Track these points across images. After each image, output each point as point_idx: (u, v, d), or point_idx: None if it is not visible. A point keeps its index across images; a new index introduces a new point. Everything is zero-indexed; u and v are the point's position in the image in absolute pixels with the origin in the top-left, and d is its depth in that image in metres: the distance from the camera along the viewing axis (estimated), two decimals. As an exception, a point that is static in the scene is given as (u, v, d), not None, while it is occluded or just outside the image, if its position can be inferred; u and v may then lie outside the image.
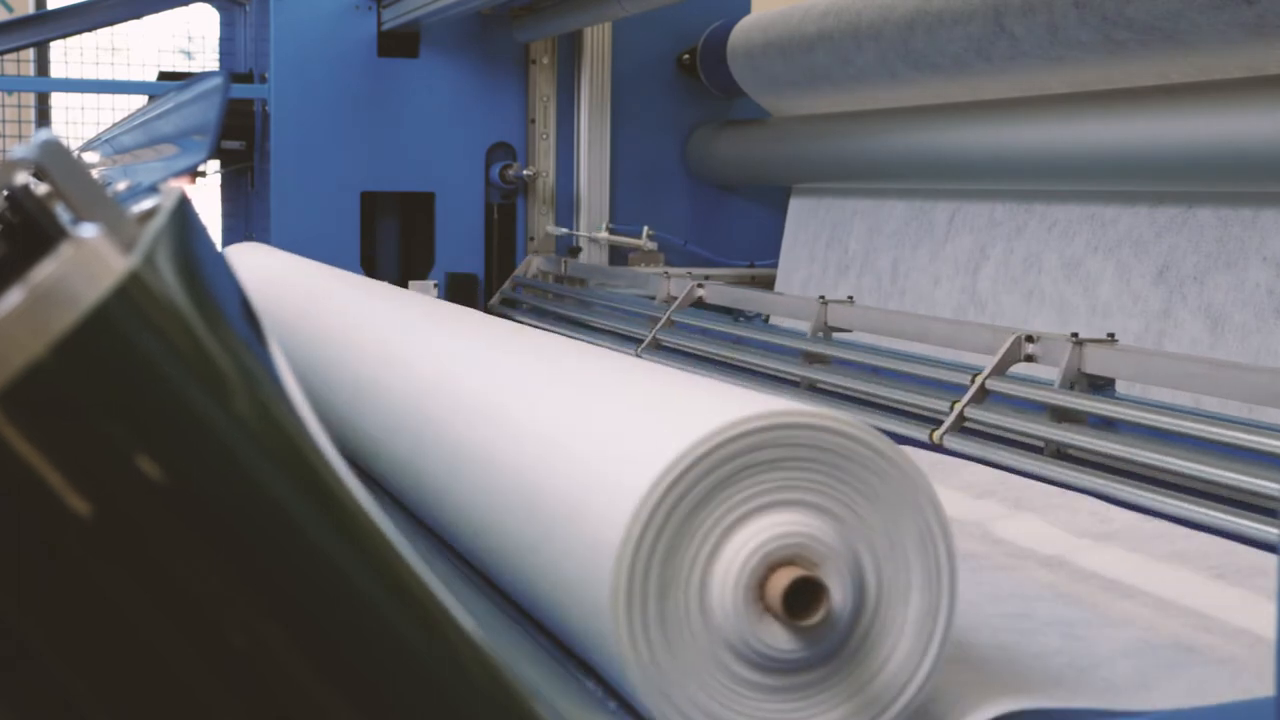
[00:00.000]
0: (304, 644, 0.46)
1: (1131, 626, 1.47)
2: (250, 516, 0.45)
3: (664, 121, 4.44)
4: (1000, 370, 2.24)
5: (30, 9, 5.46)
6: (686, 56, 4.39)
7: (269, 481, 0.46)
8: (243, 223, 4.75)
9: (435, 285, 4.21)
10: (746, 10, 4.34)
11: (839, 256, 3.72)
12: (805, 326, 2.91)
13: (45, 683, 0.42)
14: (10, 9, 5.46)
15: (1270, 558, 1.70)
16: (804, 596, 1.08)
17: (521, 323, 3.89)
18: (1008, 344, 2.25)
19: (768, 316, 3.28)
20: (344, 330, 2.13)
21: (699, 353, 3.09)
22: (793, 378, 2.75)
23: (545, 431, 1.32)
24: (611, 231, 4.19)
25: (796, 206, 4.03)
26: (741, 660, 1.10)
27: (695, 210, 4.39)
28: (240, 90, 4.26)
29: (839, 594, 1.10)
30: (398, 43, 4.17)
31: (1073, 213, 2.90)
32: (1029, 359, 2.26)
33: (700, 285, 3.29)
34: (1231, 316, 2.47)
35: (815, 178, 3.92)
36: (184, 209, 0.49)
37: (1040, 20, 2.76)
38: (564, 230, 4.22)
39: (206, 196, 4.86)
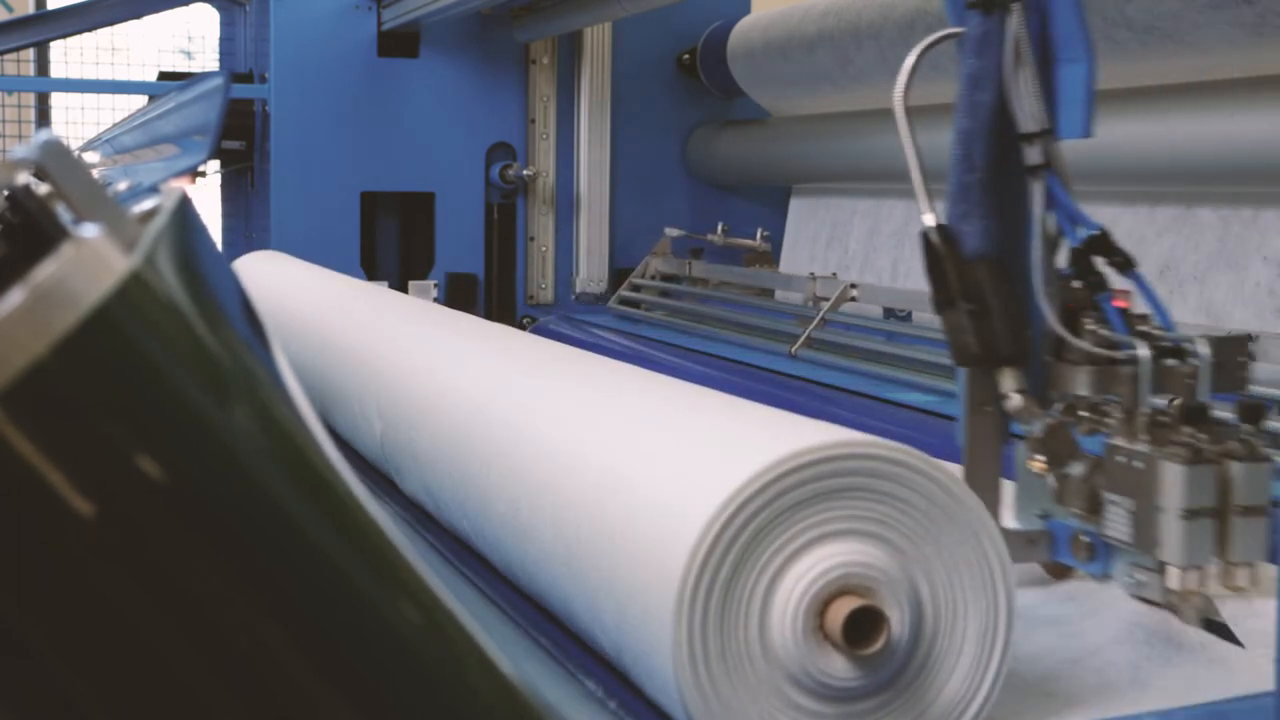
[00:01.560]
0: (304, 644, 0.46)
1: (1126, 624, 1.47)
2: (250, 516, 0.45)
3: (664, 121, 4.44)
4: None
5: (30, 9, 5.46)
6: (686, 56, 4.39)
7: (269, 481, 0.46)
8: (243, 223, 4.75)
9: (435, 285, 4.21)
10: (746, 10, 4.34)
11: (839, 256, 3.72)
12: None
13: (45, 683, 0.42)
14: (10, 9, 5.46)
15: (1265, 566, 1.70)
16: (863, 625, 1.08)
17: (651, 321, 3.91)
18: None
19: (909, 313, 3.26)
20: (386, 353, 2.10)
21: (862, 349, 3.09)
22: None
23: (604, 462, 1.31)
24: (725, 233, 4.18)
25: (796, 206, 4.03)
26: (801, 689, 1.10)
27: (695, 210, 4.39)
28: (240, 90, 4.26)
29: (898, 623, 1.10)
30: (398, 43, 4.17)
31: (1073, 213, 2.90)
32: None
33: (853, 285, 3.31)
34: (1232, 316, 2.47)
35: (815, 178, 3.92)
36: (185, 209, 0.49)
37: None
38: (680, 232, 4.21)
39: (206, 196, 4.86)
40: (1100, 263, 1.51)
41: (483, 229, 4.29)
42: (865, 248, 3.61)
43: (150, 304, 0.43)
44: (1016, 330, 1.50)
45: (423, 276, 4.25)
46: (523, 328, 3.98)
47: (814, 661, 1.09)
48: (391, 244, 4.36)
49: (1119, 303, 1.50)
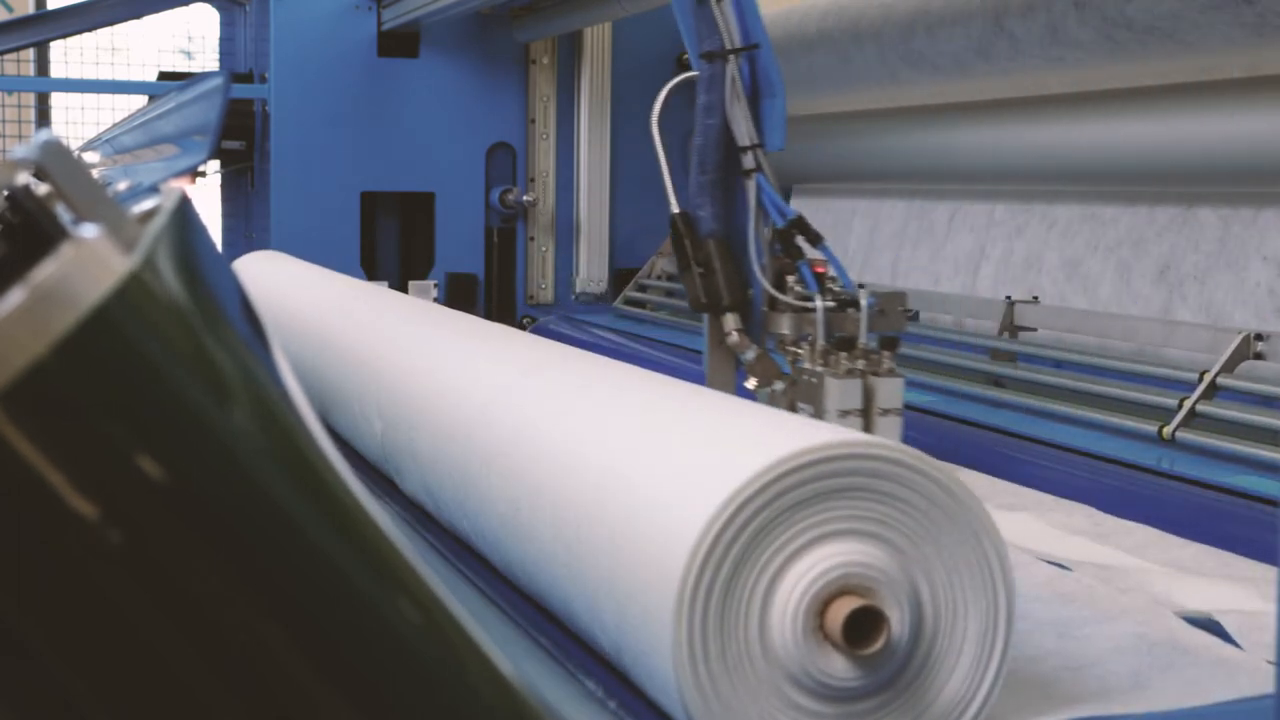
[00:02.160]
0: (304, 644, 0.46)
1: (1127, 626, 1.47)
2: (250, 516, 0.45)
3: (664, 121, 4.43)
4: (1229, 368, 2.23)
5: (30, 9, 5.46)
6: (687, 56, 4.38)
7: (269, 481, 0.46)
8: (243, 223, 4.75)
9: (435, 285, 4.21)
10: (746, 10, 4.34)
11: (839, 256, 3.72)
12: (976, 325, 2.95)
13: (45, 683, 0.42)
14: (10, 9, 5.46)
15: (1265, 568, 1.70)
16: (863, 625, 1.08)
17: (652, 320, 3.92)
18: (1236, 342, 2.25)
19: (916, 313, 3.26)
20: (386, 353, 2.10)
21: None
22: (983, 375, 2.75)
23: (605, 462, 1.31)
24: None
25: (797, 206, 4.03)
26: (801, 689, 1.10)
27: (695, 210, 4.39)
28: (240, 90, 4.26)
29: (898, 623, 1.10)
30: (398, 43, 4.17)
31: (1073, 212, 2.90)
32: (1258, 356, 2.25)
33: (860, 285, 3.31)
34: (1232, 316, 2.47)
35: (815, 178, 3.92)
36: (184, 209, 0.49)
37: (1040, 20, 2.76)
38: None
39: (206, 196, 4.87)
40: (799, 239, 2.07)
41: (483, 229, 4.29)
42: (865, 247, 3.61)
43: (150, 304, 0.43)
44: (734, 287, 2.09)
45: (423, 276, 4.24)
46: (523, 328, 3.97)
47: (814, 661, 1.09)
48: (391, 244, 4.36)
49: (818, 268, 2.06)
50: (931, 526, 1.13)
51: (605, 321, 4.04)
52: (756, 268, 2.05)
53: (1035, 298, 2.88)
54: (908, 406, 2.68)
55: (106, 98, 5.09)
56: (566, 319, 4.12)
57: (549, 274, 4.36)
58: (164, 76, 4.64)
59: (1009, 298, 2.86)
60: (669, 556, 1.10)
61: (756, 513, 1.09)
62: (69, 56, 5.20)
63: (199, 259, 0.48)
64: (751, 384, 2.05)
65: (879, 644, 1.08)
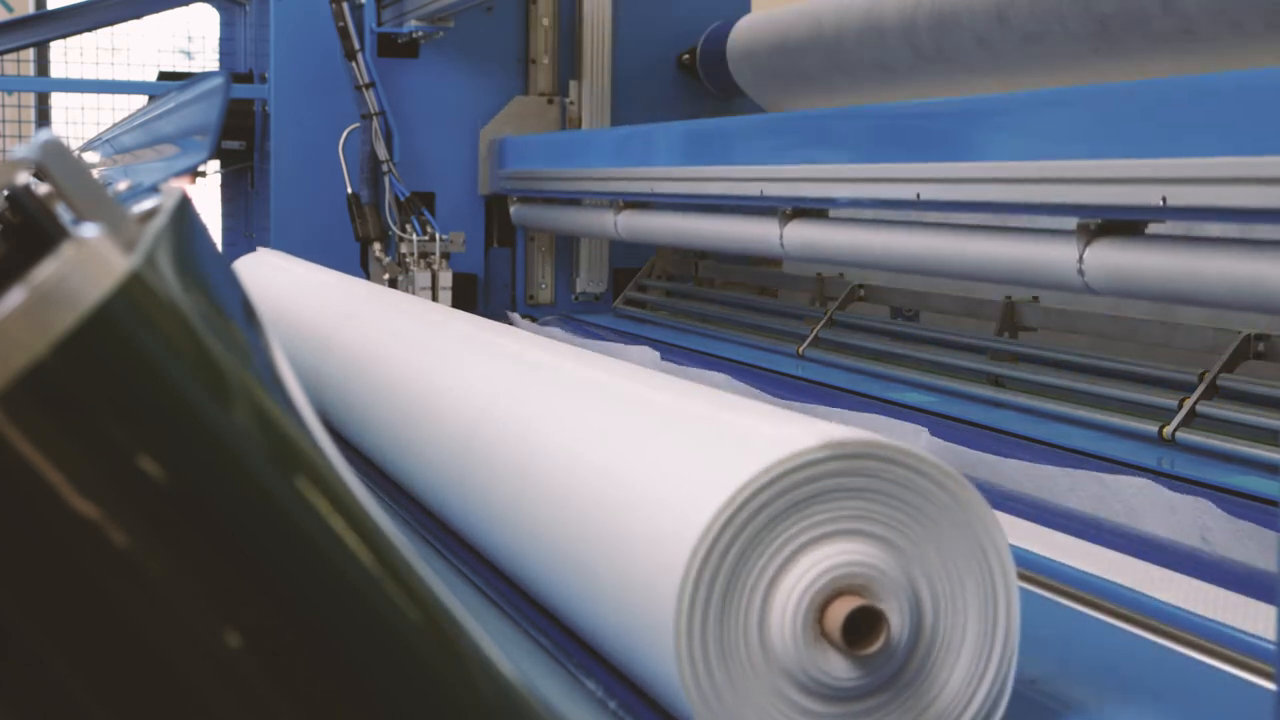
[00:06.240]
0: (304, 644, 0.46)
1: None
2: (250, 516, 0.45)
3: (665, 120, 4.43)
4: (1229, 368, 2.24)
5: (30, 9, 5.46)
6: (686, 56, 4.39)
7: (269, 481, 0.46)
8: (243, 223, 4.75)
9: (435, 285, 4.21)
10: (746, 10, 4.34)
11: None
12: (968, 325, 2.97)
13: (45, 683, 0.42)
14: (10, 9, 5.46)
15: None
16: (863, 625, 1.08)
17: (653, 321, 3.92)
18: (1236, 342, 2.25)
19: (916, 313, 3.26)
20: (387, 353, 2.10)
21: (870, 349, 3.10)
22: (983, 375, 2.76)
23: (604, 460, 1.31)
24: None
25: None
26: (800, 689, 1.10)
27: (695, 210, 4.38)
28: (240, 90, 4.26)
29: (897, 622, 1.10)
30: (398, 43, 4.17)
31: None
32: (1258, 356, 2.26)
33: (861, 286, 3.34)
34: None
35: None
36: (185, 209, 0.49)
37: (1042, 20, 2.76)
38: None
39: (206, 196, 4.87)
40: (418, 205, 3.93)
41: (483, 229, 4.29)
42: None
43: (150, 304, 0.43)
44: (379, 229, 3.90)
45: (423, 276, 4.24)
46: (523, 328, 3.97)
47: (813, 661, 1.09)
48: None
49: (422, 220, 3.84)
50: (932, 526, 1.13)
51: (605, 321, 4.04)
52: (390, 220, 3.87)
53: (1035, 298, 2.89)
54: (908, 407, 2.71)
55: (106, 98, 5.10)
56: (566, 319, 4.12)
57: (549, 274, 4.36)
58: (164, 76, 4.64)
59: (1009, 298, 2.86)
60: (668, 556, 1.10)
61: (756, 512, 1.09)
62: (69, 56, 5.20)
63: (199, 259, 0.48)
64: (386, 276, 3.82)
65: (878, 644, 1.08)
